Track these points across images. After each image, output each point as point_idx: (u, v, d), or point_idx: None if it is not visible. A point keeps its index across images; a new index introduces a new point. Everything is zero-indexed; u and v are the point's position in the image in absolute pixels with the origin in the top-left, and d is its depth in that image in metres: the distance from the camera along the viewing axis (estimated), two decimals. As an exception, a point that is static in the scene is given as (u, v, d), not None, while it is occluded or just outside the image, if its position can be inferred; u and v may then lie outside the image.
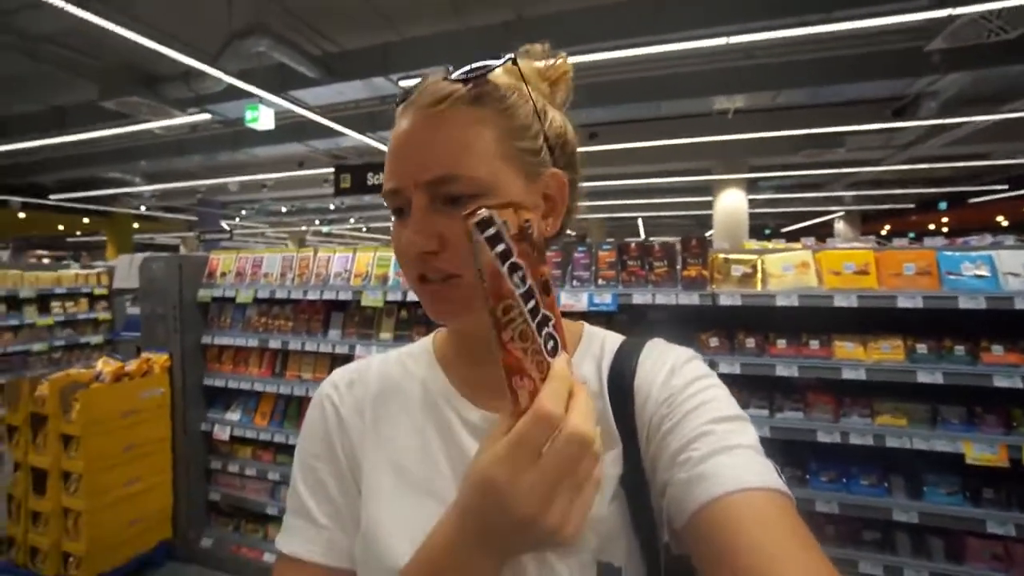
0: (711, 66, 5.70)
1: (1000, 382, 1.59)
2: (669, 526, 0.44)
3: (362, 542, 0.49)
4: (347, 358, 2.47)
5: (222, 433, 2.66)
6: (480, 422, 0.52)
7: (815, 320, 1.81)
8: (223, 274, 2.73)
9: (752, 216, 10.09)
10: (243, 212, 14.63)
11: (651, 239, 2.03)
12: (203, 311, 2.80)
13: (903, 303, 1.64)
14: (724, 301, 1.84)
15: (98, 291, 5.65)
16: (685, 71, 5.79)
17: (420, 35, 5.16)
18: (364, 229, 18.40)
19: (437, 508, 0.48)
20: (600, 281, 2.06)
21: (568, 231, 0.57)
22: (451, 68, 0.48)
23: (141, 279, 2.74)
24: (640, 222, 16.64)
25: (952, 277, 1.66)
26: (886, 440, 1.68)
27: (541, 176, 0.49)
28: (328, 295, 2.43)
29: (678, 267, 1.98)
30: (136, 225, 14.73)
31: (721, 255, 1.93)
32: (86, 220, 13.65)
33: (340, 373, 0.59)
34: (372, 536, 0.48)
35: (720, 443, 0.42)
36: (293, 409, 2.60)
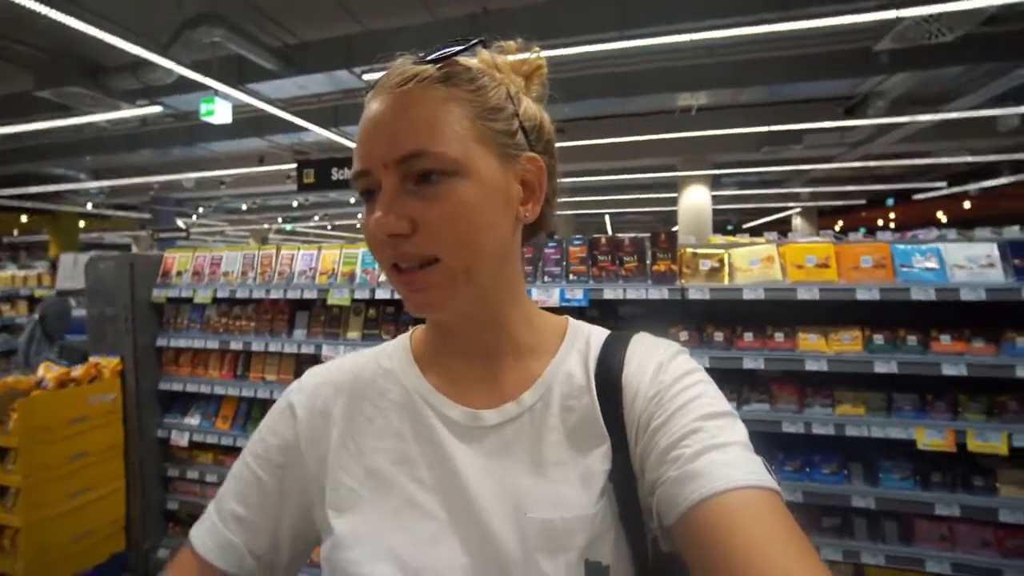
0: (675, 63, 5.80)
1: (948, 370, 1.67)
2: (659, 523, 0.43)
3: (332, 552, 0.46)
4: (313, 358, 2.39)
5: (180, 439, 2.53)
6: (462, 419, 0.50)
7: (780, 312, 1.86)
8: (179, 273, 2.59)
9: (715, 212, 10.36)
10: (200, 209, 14.01)
11: (621, 235, 2.03)
12: (157, 312, 2.65)
13: (861, 295, 1.70)
14: (693, 295, 1.86)
15: (39, 292, 5.30)
16: (650, 68, 5.87)
17: (385, 27, 5.04)
18: (329, 227, 17.95)
19: (415, 515, 0.47)
20: (571, 276, 2.06)
21: (547, 227, 0.55)
22: (420, 54, 0.47)
23: (88, 279, 2.56)
24: (607, 219, 16.85)
25: (905, 269, 1.73)
26: (846, 429, 1.75)
27: (518, 160, 0.47)
28: (292, 294, 2.33)
29: (648, 262, 1.99)
30: (82, 224, 13.88)
31: (689, 249, 1.95)
32: (25, 219, 12.76)
33: (309, 374, 0.57)
34: (345, 546, 0.46)
35: (711, 440, 0.42)
36: (257, 412, 2.50)
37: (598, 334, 0.55)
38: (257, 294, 2.39)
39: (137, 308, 2.53)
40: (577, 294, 1.99)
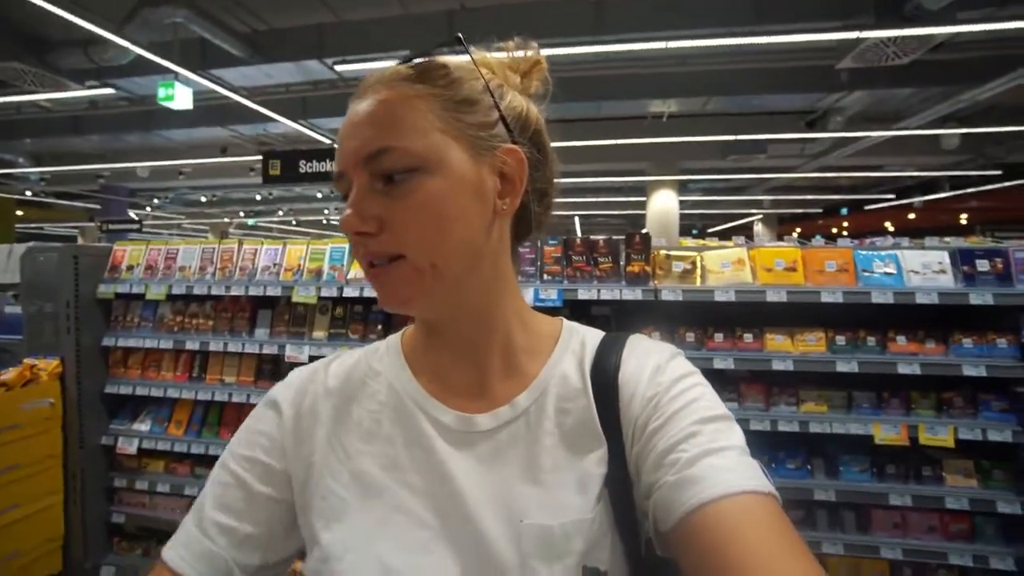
0: (648, 70, 5.92)
1: (903, 369, 1.75)
2: (655, 528, 0.43)
3: (321, 564, 0.45)
4: (276, 359, 2.29)
5: (128, 446, 2.37)
6: (454, 424, 0.49)
7: (749, 312, 1.91)
8: (130, 267, 2.43)
9: (681, 216, 10.65)
10: (155, 201, 13.32)
11: (596, 236, 2.04)
12: (105, 309, 2.47)
13: (826, 298, 1.77)
14: (666, 296, 1.89)
15: (-31, 287, 4.88)
16: (623, 74, 5.96)
17: (358, 19, 4.92)
18: (294, 222, 17.39)
19: (406, 522, 0.45)
20: (546, 276, 2.05)
21: (542, 225, 0.54)
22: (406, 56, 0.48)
23: (24, 272, 2.37)
24: (577, 220, 17.05)
25: (866, 274, 1.81)
26: (810, 427, 1.81)
27: (494, 152, 0.46)
28: (255, 291, 2.23)
29: (622, 263, 2.01)
30: (20, 212, 12.93)
31: (663, 252, 1.98)
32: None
33: (297, 372, 0.55)
34: (334, 557, 0.44)
35: (708, 444, 0.42)
36: (214, 416, 2.37)
37: (593, 335, 0.54)
38: (216, 291, 2.26)
39: (81, 305, 2.35)
40: (551, 294, 1.98)
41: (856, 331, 1.84)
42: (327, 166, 3.25)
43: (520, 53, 0.52)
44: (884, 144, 7.65)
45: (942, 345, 1.79)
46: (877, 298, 1.75)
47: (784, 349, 1.85)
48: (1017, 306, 1.73)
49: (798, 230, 16.62)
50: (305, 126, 7.01)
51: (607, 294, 1.95)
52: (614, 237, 2.04)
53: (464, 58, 0.49)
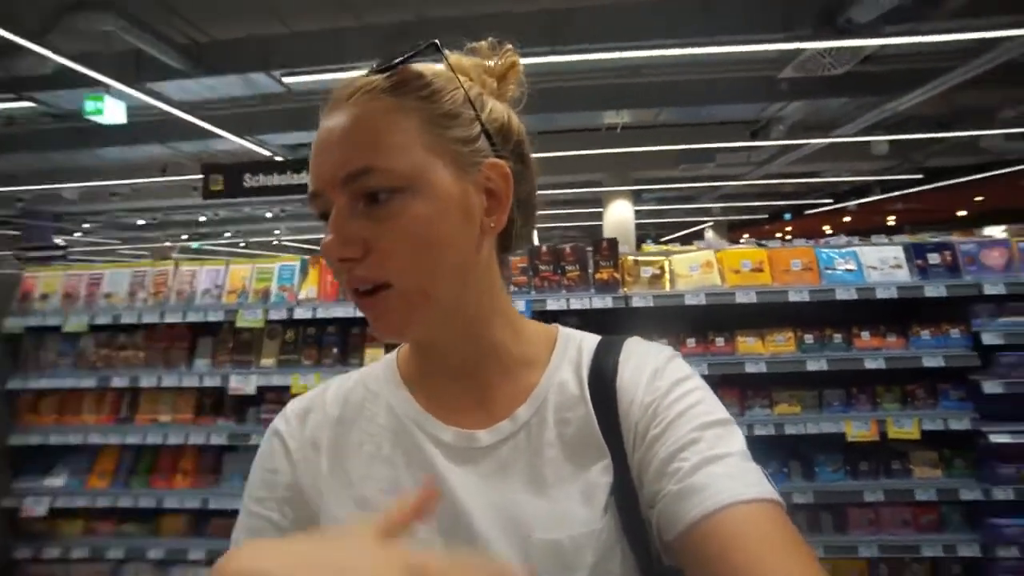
0: (601, 81, 6.03)
1: (869, 364, 1.78)
2: (659, 537, 0.42)
3: None
4: (219, 392, 2.09)
5: (36, 507, 2.02)
6: (454, 441, 0.48)
7: (719, 315, 1.89)
8: (44, 296, 2.16)
9: (636, 226, 10.89)
10: (85, 225, 12.39)
11: (563, 244, 1.99)
12: (11, 347, 2.16)
13: (793, 297, 1.78)
14: (637, 302, 1.85)
15: None
16: (578, 85, 6.03)
17: (307, 30, 4.75)
18: (243, 244, 16.56)
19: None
20: (512, 288, 1.97)
21: (526, 237, 0.53)
22: (373, 64, 0.45)
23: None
24: (535, 233, 17.13)
25: (829, 271, 1.83)
26: (785, 428, 1.80)
27: (479, 168, 0.45)
28: (194, 316, 2.03)
29: (590, 270, 1.96)
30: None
31: (631, 257, 1.95)
32: None
33: (293, 404, 0.54)
34: None
35: (709, 451, 0.41)
36: (145, 463, 2.10)
37: (590, 340, 0.53)
38: (149, 318, 2.04)
39: (-18, 343, 2.06)
40: (519, 306, 1.90)
41: (823, 329, 1.85)
42: (274, 180, 3.04)
43: (491, 61, 0.50)
44: (821, 151, 8.12)
45: (902, 338, 1.83)
46: (841, 295, 1.77)
47: (755, 351, 1.84)
48: (966, 296, 1.79)
49: (746, 235, 17.42)
50: (253, 142, 6.70)
51: (577, 303, 1.89)
52: (581, 244, 1.99)
53: (440, 66, 0.46)
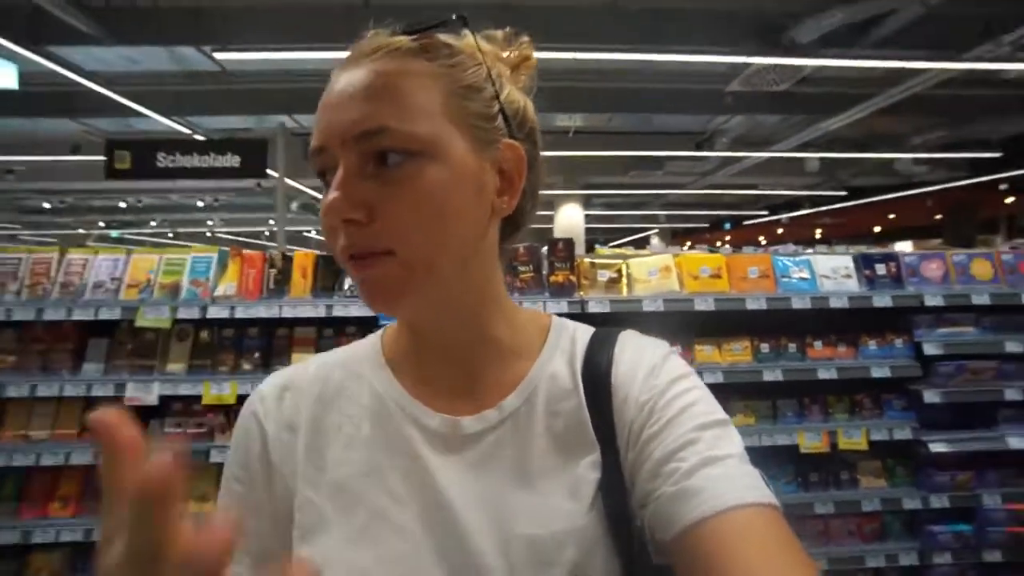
0: (555, 84, 5.99)
1: (822, 374, 1.77)
2: (651, 537, 0.41)
3: None
4: (114, 400, 1.78)
5: None
6: (439, 427, 0.46)
7: (676, 322, 1.82)
8: None
9: (585, 231, 11.02)
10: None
11: (515, 244, 1.84)
12: None
13: (751, 305, 1.74)
14: (593, 308, 1.74)
15: None
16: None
17: (244, 5, 4.35)
18: (171, 235, 15.23)
19: (388, 532, 0.43)
20: (463, 289, 1.81)
21: (526, 223, 0.51)
22: (396, 26, 0.43)
23: None
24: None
25: (784, 279, 1.81)
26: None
27: (495, 146, 0.44)
28: (82, 314, 1.71)
29: (544, 272, 1.83)
30: None
31: (587, 260, 1.84)
32: None
33: (270, 382, 0.52)
34: (328, 574, 0.42)
35: (707, 453, 0.40)
36: (11, 487, 1.75)
37: (583, 331, 0.52)
38: (22, 315, 1.70)
39: None
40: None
41: (778, 338, 1.83)
42: (193, 160, 2.66)
43: (505, 52, 0.50)
44: (759, 166, 8.54)
45: (852, 348, 1.84)
46: (797, 304, 1.75)
47: (713, 360, 1.79)
48: (909, 307, 1.82)
49: (688, 243, 18.17)
50: (180, 123, 6.10)
51: (530, 307, 1.75)
52: (534, 244, 1.87)
53: (462, 42, 0.45)
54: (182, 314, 1.73)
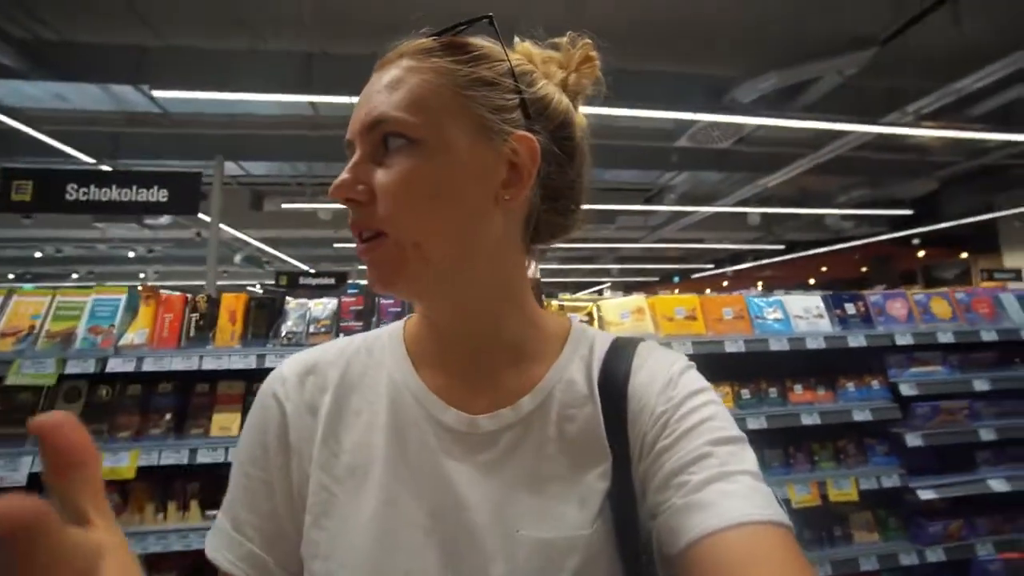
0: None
1: (805, 420, 1.67)
2: (658, 549, 0.41)
3: (311, 562, 0.44)
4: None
5: None
6: (454, 423, 0.46)
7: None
8: None
9: (540, 284, 11.10)
10: None
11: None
12: None
13: (729, 348, 1.64)
14: (566, 353, 1.58)
15: None
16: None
17: (193, 45, 4.21)
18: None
19: (397, 521, 0.44)
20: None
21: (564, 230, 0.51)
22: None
23: None
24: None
25: (759, 320, 1.74)
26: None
27: (506, 137, 0.44)
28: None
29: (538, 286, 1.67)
30: None
31: (555, 302, 1.71)
32: None
33: (292, 362, 0.51)
34: (321, 555, 0.43)
35: (719, 468, 0.39)
36: None
37: (603, 339, 0.51)
38: None
39: None
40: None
41: (758, 382, 1.74)
42: (112, 194, 2.35)
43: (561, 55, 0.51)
44: (706, 220, 9.01)
45: (830, 391, 1.77)
46: (775, 346, 1.67)
47: (694, 407, 1.65)
48: (881, 347, 1.79)
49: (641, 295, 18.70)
50: (111, 166, 5.70)
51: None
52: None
53: (490, 41, 0.47)
54: (73, 368, 1.42)
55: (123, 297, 1.61)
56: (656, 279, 16.38)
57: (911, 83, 4.83)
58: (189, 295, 1.62)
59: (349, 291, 1.61)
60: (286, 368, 0.50)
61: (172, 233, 7.69)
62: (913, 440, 1.71)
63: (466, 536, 0.42)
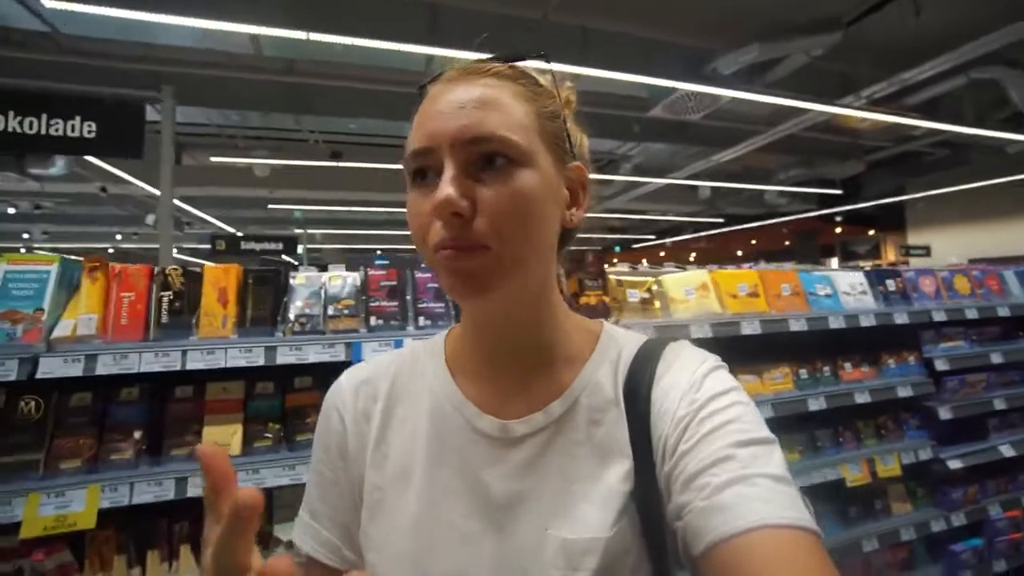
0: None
1: (859, 398, 1.63)
2: (684, 552, 0.41)
3: (367, 552, 0.49)
4: None
5: None
6: (490, 430, 0.49)
7: (714, 346, 1.56)
8: None
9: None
10: None
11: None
12: None
13: (793, 326, 1.54)
14: (632, 335, 1.39)
15: None
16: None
17: None
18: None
19: (439, 522, 0.47)
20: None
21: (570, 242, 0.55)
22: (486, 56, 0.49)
23: None
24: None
25: (812, 296, 1.66)
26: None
27: (567, 166, 0.48)
28: None
29: (565, 291, 1.45)
30: None
31: (613, 277, 1.50)
32: None
33: (350, 374, 0.57)
34: (371, 548, 0.48)
35: (741, 470, 0.39)
36: None
37: (632, 343, 0.52)
38: None
39: None
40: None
41: (813, 362, 1.66)
42: (11, 123, 1.74)
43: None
44: (656, 192, 9.16)
45: (874, 368, 1.74)
46: (833, 324, 1.60)
47: (757, 392, 1.55)
48: (917, 323, 1.78)
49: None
50: None
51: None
52: (550, 257, 1.48)
53: (543, 76, 0.50)
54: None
55: (52, 268, 1.17)
56: (598, 248, 16.71)
57: (865, 70, 5.04)
58: (156, 267, 1.22)
59: (377, 263, 1.30)
60: (344, 380, 0.56)
61: (65, 187, 6.47)
62: (945, 413, 1.74)
63: (503, 536, 0.45)
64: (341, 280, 1.30)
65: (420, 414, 0.51)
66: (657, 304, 1.50)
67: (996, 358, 1.86)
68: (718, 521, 0.37)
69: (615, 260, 18.25)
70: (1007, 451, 1.84)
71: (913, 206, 9.92)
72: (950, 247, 8.58)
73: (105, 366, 1.08)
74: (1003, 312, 1.89)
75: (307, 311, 1.23)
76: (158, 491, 1.08)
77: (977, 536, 1.78)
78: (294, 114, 5.72)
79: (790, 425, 1.64)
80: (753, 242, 14.01)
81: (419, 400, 0.52)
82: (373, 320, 1.24)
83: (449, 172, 0.42)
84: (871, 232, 11.47)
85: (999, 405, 1.86)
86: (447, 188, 0.41)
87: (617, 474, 0.46)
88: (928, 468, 1.80)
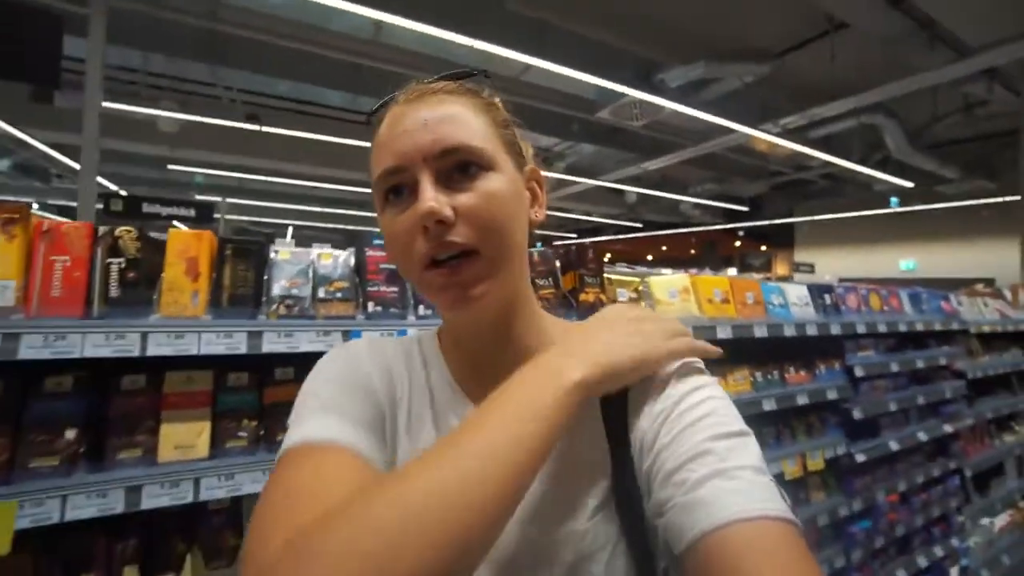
0: (405, 72, 5.44)
1: (800, 400, 1.81)
2: (667, 550, 0.42)
3: None
4: None
5: None
6: None
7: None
8: None
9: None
10: None
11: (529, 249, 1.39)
12: None
13: (757, 332, 1.66)
14: (624, 335, 1.41)
15: None
16: (388, 68, 5.28)
17: None
18: None
19: None
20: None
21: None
22: (433, 77, 0.53)
23: None
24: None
25: (771, 306, 1.80)
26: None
27: (524, 168, 0.53)
28: None
29: (560, 287, 1.43)
30: None
31: (606, 276, 1.51)
32: None
33: (361, 339, 0.58)
34: None
35: (719, 464, 0.40)
36: None
37: None
38: None
39: None
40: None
41: (766, 365, 1.81)
42: None
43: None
44: (584, 192, 9.47)
45: (810, 373, 1.94)
46: (787, 331, 1.75)
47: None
48: (845, 335, 2.02)
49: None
50: None
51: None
52: (547, 250, 1.45)
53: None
54: None
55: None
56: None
57: (783, 102, 5.60)
58: (100, 228, 0.99)
59: (375, 243, 1.19)
60: (357, 342, 0.57)
61: None
62: (857, 413, 2.00)
63: None
64: (332, 259, 1.15)
65: (421, 400, 0.54)
66: (644, 304, 1.54)
67: (894, 366, 2.18)
68: (698, 516, 0.38)
69: (534, 257, 18.83)
70: (894, 446, 2.16)
71: (800, 227, 11.34)
72: (827, 267, 9.94)
73: (32, 348, 0.85)
74: (903, 327, 2.21)
75: (293, 291, 1.08)
76: (102, 504, 0.88)
77: (866, 519, 2.08)
78: (209, 63, 5.04)
79: (747, 424, 1.78)
80: (664, 248, 15.09)
81: (420, 383, 0.55)
82: (371, 306, 1.12)
83: (427, 184, 0.44)
84: (763, 248, 12.93)
85: (892, 407, 2.18)
86: (428, 198, 0.43)
87: (595, 471, 0.47)
88: (839, 461, 2.07)
